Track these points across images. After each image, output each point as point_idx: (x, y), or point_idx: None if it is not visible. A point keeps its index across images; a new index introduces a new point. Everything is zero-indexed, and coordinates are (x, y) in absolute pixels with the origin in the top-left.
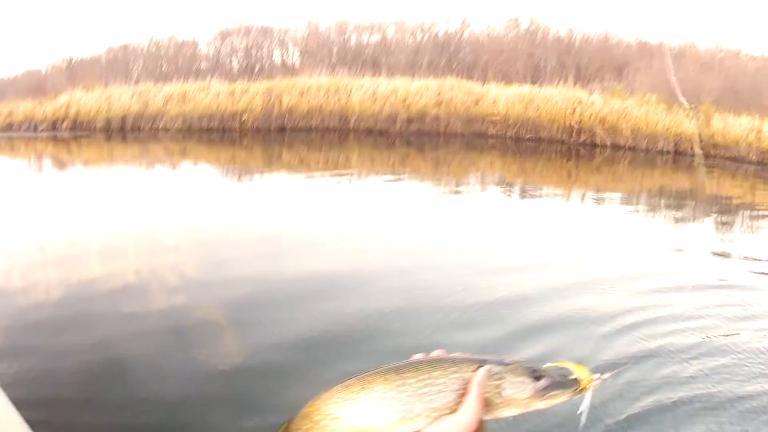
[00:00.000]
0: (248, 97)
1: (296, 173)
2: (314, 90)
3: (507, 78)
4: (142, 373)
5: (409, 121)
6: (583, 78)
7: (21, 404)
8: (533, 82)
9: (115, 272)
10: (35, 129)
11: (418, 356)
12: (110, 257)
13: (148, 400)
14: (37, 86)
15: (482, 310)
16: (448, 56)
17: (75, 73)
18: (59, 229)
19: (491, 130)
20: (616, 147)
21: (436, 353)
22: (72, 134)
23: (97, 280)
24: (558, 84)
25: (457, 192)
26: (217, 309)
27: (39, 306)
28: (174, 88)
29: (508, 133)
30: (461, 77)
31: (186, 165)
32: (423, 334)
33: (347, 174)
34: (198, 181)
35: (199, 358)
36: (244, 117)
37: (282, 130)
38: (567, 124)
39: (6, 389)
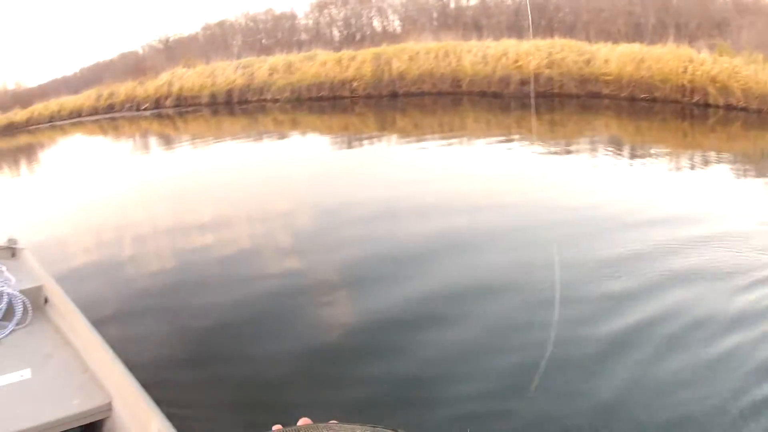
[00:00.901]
0: (356, 64)
1: (411, 137)
2: (423, 54)
3: (609, 37)
4: (257, 332)
5: (523, 82)
6: (683, 36)
7: (138, 366)
8: (635, 41)
9: (230, 238)
10: (138, 108)
11: (277, 427)
12: (224, 224)
13: (262, 357)
14: (135, 67)
15: (613, 265)
16: (548, 16)
17: (173, 51)
18: (173, 199)
19: (605, 90)
20: (728, 107)
21: (301, 422)
22: (176, 111)
23: (212, 246)
24: (660, 42)
25: (574, 151)
26: (332, 270)
27: (155, 273)
28: (278, 59)
29: (622, 94)
30: (564, 37)
31: (297, 134)
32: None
33: (463, 136)
34: (310, 149)
35: (316, 316)
36: (354, 84)
37: (394, 95)
38: (679, 83)
39: (124, 350)
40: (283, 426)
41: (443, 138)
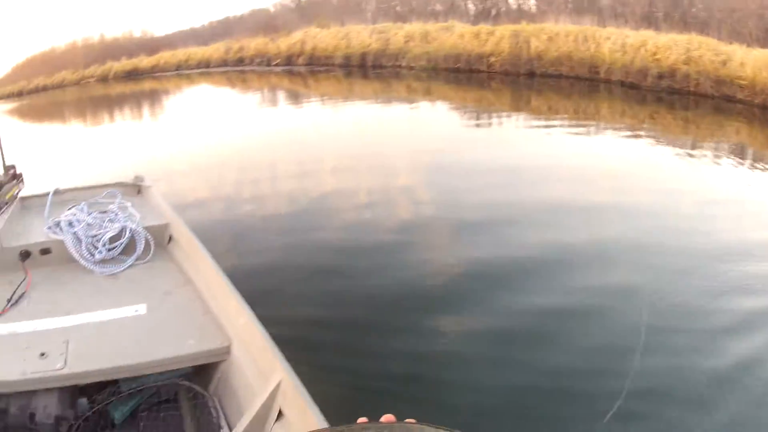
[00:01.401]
0: (494, 39)
1: (543, 119)
2: (562, 36)
3: (741, 38)
4: (356, 273)
5: (660, 76)
6: None
7: (249, 296)
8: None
9: (344, 189)
10: (268, 63)
11: (362, 420)
12: (340, 178)
13: (366, 296)
14: (266, 24)
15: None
16: (682, 10)
17: (305, 11)
18: (295, 147)
19: (739, 95)
20: None
21: (384, 418)
22: (308, 69)
23: (328, 194)
24: None
25: (703, 156)
26: (446, 228)
27: (271, 215)
28: (415, 27)
29: (756, 100)
30: (699, 34)
31: (429, 102)
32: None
33: (593, 125)
34: (439, 117)
35: (424, 262)
36: (492, 59)
37: (531, 75)
38: None
39: (237, 282)
40: (369, 420)
41: (574, 125)
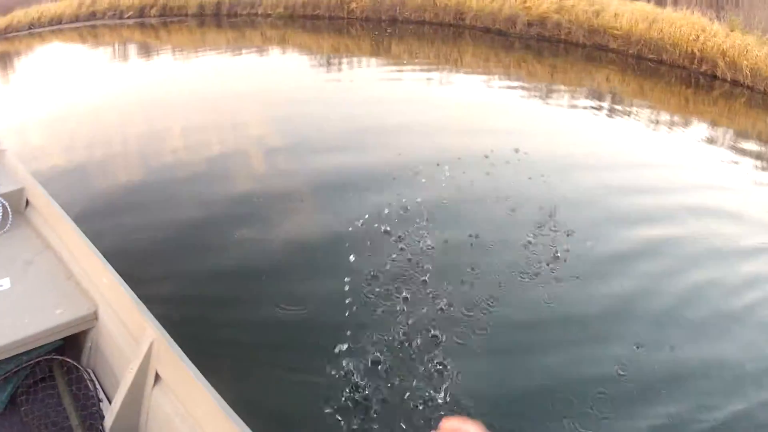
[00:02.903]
0: None
1: (403, 64)
2: None
3: None
4: (215, 226)
5: (530, 24)
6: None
7: (113, 258)
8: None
9: (197, 148)
10: (121, 16)
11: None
12: (193, 134)
13: (228, 247)
14: None
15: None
16: None
17: None
18: (146, 106)
19: (612, 45)
20: (735, 83)
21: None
22: (160, 20)
23: (181, 154)
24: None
25: (573, 104)
26: (296, 185)
27: (128, 174)
28: None
29: (630, 51)
30: None
31: (283, 50)
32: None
33: (454, 70)
34: (293, 66)
35: (278, 227)
36: (353, 5)
37: (393, 21)
38: (689, 50)
39: (100, 244)
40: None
41: (442, 69)
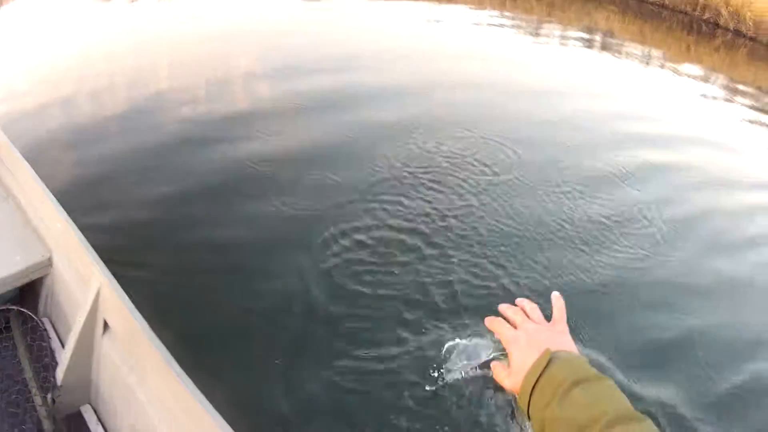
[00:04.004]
0: None
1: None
2: None
3: None
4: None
5: None
6: None
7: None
8: None
9: (182, 90)
10: None
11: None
12: (178, 75)
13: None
14: None
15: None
16: None
17: None
18: (130, 48)
19: None
20: (737, 33)
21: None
22: None
23: (165, 96)
24: None
25: (564, 43)
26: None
27: (95, 118)
28: None
29: None
30: None
31: None
32: None
33: (446, 7)
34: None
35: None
36: None
37: None
38: None
39: (58, 192)
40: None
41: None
